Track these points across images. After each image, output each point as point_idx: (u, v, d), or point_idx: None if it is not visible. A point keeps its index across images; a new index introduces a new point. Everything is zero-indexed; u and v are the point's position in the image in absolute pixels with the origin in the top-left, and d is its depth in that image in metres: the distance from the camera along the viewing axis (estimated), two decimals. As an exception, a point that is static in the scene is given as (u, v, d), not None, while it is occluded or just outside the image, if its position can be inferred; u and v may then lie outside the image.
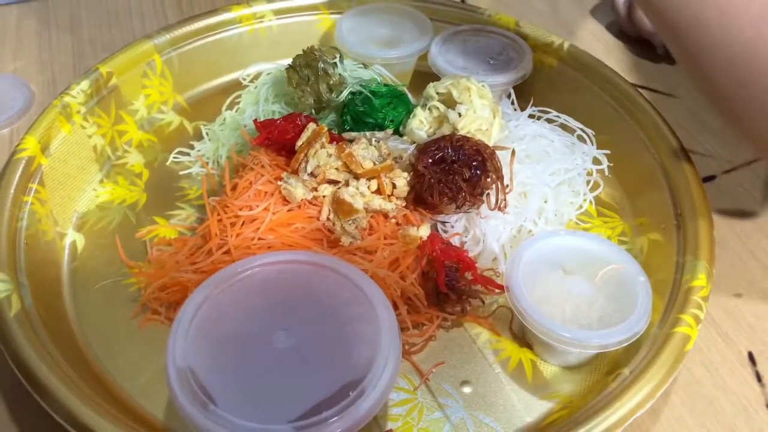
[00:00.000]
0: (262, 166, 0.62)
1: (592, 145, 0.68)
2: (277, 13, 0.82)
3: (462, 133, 0.62)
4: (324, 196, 0.60)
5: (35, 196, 0.61)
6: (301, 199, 0.59)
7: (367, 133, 0.65)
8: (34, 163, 0.62)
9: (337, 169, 0.61)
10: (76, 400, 0.47)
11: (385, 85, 0.70)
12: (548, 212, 0.63)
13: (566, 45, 0.76)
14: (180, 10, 0.95)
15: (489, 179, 0.59)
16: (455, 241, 0.61)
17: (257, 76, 0.78)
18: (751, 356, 0.58)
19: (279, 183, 0.60)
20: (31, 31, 0.91)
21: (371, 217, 0.60)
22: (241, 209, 0.59)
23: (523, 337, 0.58)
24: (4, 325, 0.51)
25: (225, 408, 0.43)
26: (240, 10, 0.80)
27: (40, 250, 0.60)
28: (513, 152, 0.62)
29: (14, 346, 0.49)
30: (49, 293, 0.59)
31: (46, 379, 0.48)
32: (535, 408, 0.54)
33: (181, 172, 0.71)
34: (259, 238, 0.58)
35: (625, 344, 0.51)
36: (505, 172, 0.60)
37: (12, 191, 0.60)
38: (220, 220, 0.59)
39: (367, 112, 0.67)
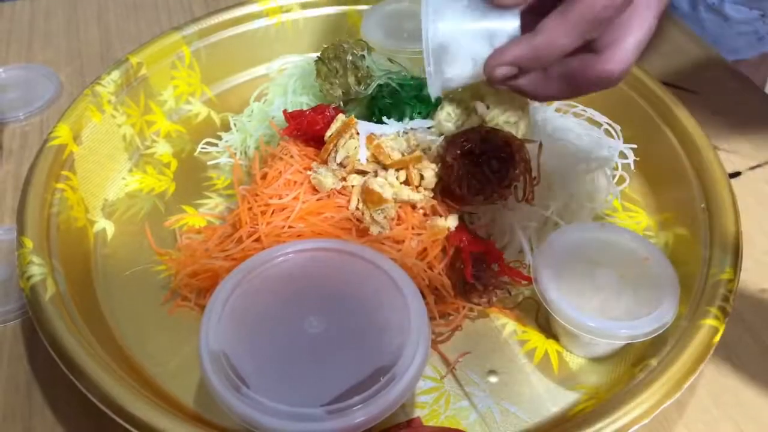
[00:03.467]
0: (291, 156, 0.63)
1: (619, 139, 0.68)
2: (304, 6, 0.82)
3: (490, 125, 0.62)
4: (353, 186, 0.60)
5: (67, 183, 0.62)
6: (331, 189, 0.60)
7: (396, 125, 0.66)
8: (65, 151, 0.63)
9: (366, 159, 0.61)
10: (111, 380, 0.47)
11: (412, 77, 0.71)
12: (574, 205, 0.63)
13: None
14: (206, 3, 0.96)
15: (517, 171, 0.59)
16: (482, 233, 0.61)
17: (284, 69, 0.79)
18: (777, 351, 0.58)
19: (309, 173, 0.61)
20: (59, 23, 0.93)
21: (399, 207, 0.60)
22: (271, 198, 0.59)
23: (549, 328, 0.58)
24: (39, 307, 0.51)
25: (257, 391, 0.44)
26: (266, 3, 0.81)
27: (72, 236, 0.61)
28: (540, 145, 0.62)
29: (50, 328, 0.50)
30: (81, 278, 0.60)
31: (81, 360, 0.48)
32: (562, 398, 0.54)
33: (208, 163, 0.72)
34: (289, 227, 0.58)
35: (653, 335, 0.51)
36: (533, 164, 0.61)
37: (45, 177, 0.60)
38: (250, 209, 0.60)
39: (394, 104, 0.67)
